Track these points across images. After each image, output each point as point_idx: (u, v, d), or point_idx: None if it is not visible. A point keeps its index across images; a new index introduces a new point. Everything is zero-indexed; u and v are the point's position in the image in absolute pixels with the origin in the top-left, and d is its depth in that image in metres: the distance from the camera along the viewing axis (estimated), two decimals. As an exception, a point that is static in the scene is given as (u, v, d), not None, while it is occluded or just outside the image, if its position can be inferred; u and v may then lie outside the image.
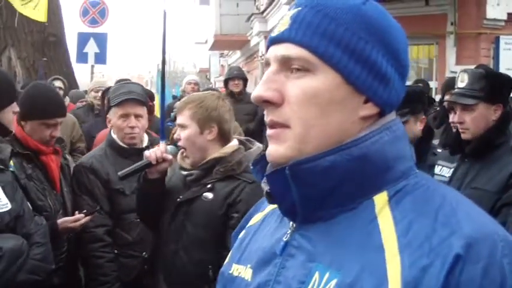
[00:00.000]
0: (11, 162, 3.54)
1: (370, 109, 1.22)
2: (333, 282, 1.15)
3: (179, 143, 3.35)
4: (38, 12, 10.49)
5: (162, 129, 5.05)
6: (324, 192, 1.21)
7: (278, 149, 1.24)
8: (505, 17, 12.31)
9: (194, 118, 3.29)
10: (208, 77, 37.10)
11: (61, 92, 8.27)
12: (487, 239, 1.08)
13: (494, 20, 12.20)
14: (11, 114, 3.54)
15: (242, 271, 1.39)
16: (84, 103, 8.63)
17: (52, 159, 4.01)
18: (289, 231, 1.28)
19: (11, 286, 3.02)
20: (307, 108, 1.20)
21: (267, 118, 1.26)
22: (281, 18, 1.29)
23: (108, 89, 7.97)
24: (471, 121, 3.53)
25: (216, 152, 3.32)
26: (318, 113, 1.20)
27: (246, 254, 1.43)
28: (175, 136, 3.41)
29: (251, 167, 1.37)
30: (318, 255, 1.21)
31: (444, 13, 12.12)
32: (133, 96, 4.17)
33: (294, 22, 1.23)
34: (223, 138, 3.36)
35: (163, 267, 3.37)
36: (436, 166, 4.08)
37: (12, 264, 2.98)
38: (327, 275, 1.17)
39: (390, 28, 1.24)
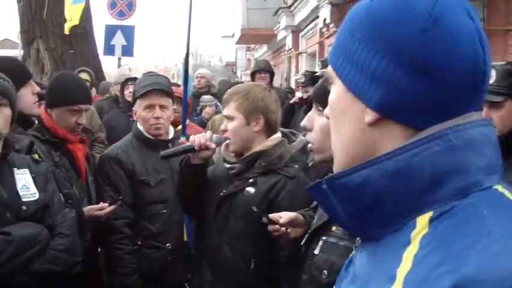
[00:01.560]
0: (36, 155, 3.59)
1: (370, 114, 1.09)
2: None
3: (225, 134, 3.36)
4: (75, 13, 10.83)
5: (183, 122, 5.07)
6: (364, 209, 1.09)
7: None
8: (534, 14, 12.19)
9: (240, 109, 3.31)
10: (234, 70, 37.13)
11: (87, 84, 8.35)
12: (489, 283, 0.89)
13: (523, 16, 12.10)
14: (30, 96, 3.67)
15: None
16: (107, 95, 8.68)
17: (79, 148, 4.08)
18: (355, 247, 1.28)
19: (24, 274, 3.03)
20: (330, 121, 1.20)
21: None
22: None
23: (126, 81, 8.07)
24: (498, 119, 3.39)
25: (260, 144, 3.34)
26: (333, 124, 1.18)
27: None
28: (221, 127, 3.42)
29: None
30: (356, 277, 1.14)
31: (473, 10, 12.03)
32: (158, 87, 4.20)
33: None
34: (270, 129, 3.38)
35: (209, 260, 3.40)
36: None
37: (23, 252, 2.99)
38: None
39: (401, 20, 1.05)
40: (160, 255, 4.08)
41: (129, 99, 7.49)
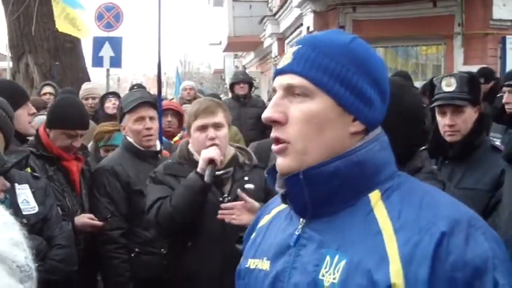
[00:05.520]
0: (29, 169, 3.83)
1: (357, 126, 1.51)
2: (343, 262, 1.44)
3: (216, 141, 3.55)
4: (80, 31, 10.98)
5: (160, 132, 5.24)
6: (331, 190, 1.49)
7: (284, 160, 1.53)
8: (511, 17, 12.45)
9: (227, 119, 3.64)
10: (223, 77, 37.21)
11: (51, 98, 8.31)
12: (463, 217, 1.40)
13: (501, 20, 12.37)
14: (25, 117, 3.92)
15: (259, 263, 1.65)
16: None
17: (73, 164, 4.28)
18: (300, 226, 1.56)
19: None
20: (307, 127, 1.49)
21: (273, 135, 1.55)
22: (285, 54, 1.60)
23: (105, 95, 8.19)
24: (462, 123, 3.66)
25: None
26: (316, 130, 1.49)
27: (260, 249, 1.69)
28: (210, 135, 3.56)
29: (266, 175, 1.65)
30: (326, 243, 1.49)
31: (451, 14, 12.31)
32: (146, 99, 4.42)
33: (295, 57, 1.53)
34: None
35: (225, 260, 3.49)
36: None
37: None
38: (336, 257, 1.45)
39: (372, 61, 1.54)
40: (156, 260, 4.17)
41: (113, 111, 7.43)
